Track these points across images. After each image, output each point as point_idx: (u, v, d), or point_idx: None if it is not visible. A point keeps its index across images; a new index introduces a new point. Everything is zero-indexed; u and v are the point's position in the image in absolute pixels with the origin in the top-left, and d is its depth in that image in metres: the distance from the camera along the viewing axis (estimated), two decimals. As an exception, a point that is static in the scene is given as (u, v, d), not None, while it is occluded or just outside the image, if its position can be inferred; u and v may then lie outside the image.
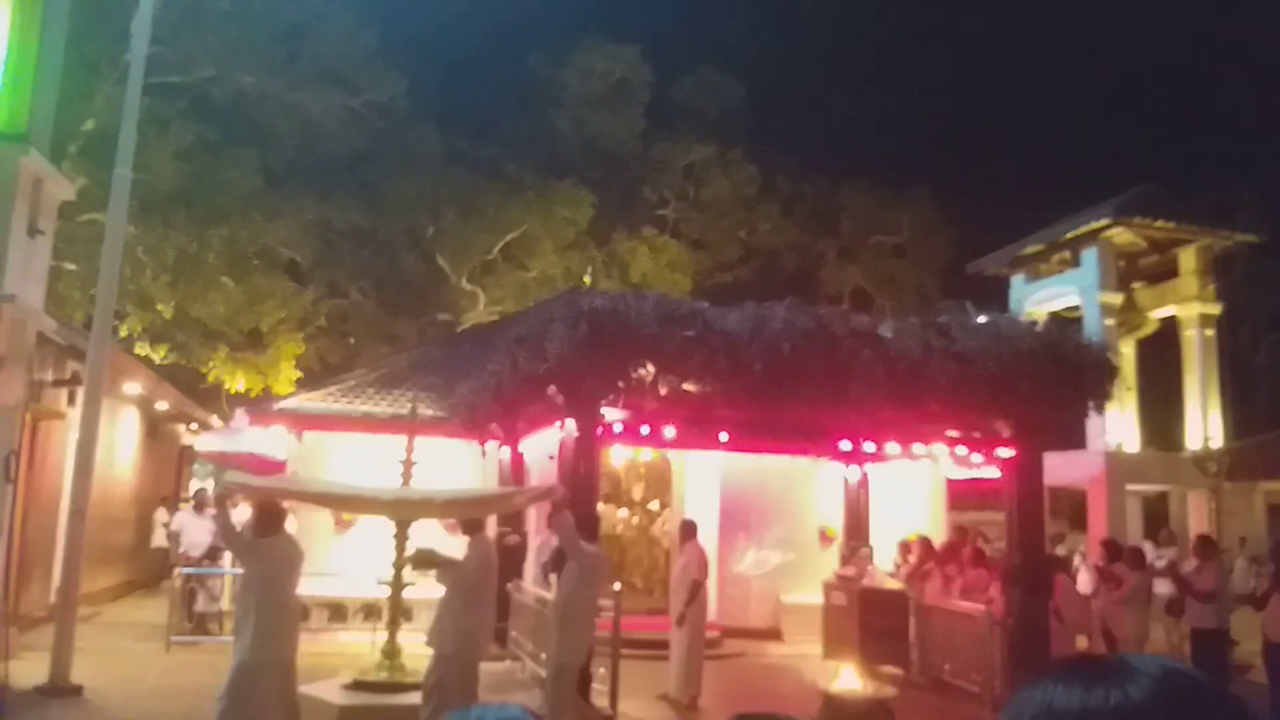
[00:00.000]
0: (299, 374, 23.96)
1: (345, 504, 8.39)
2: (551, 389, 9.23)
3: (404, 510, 8.12)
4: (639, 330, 8.45)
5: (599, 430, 9.24)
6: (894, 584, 12.16)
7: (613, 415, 9.52)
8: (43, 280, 10.03)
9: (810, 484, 14.39)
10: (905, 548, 13.18)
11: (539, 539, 12.21)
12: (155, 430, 18.65)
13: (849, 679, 7.71)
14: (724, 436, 9.92)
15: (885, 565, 13.00)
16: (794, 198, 30.92)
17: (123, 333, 20.85)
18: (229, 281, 22.46)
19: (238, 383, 23.73)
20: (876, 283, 30.80)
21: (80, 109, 18.22)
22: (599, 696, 8.94)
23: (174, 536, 13.71)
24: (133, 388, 15.24)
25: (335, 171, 25.88)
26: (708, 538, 14.26)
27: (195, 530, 13.01)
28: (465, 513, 8.52)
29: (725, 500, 14.17)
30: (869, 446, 11.24)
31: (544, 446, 11.75)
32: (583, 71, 29.93)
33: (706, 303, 9.19)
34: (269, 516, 7.08)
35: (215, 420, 21.67)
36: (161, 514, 16.90)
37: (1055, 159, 35.90)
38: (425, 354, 16.99)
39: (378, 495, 8.30)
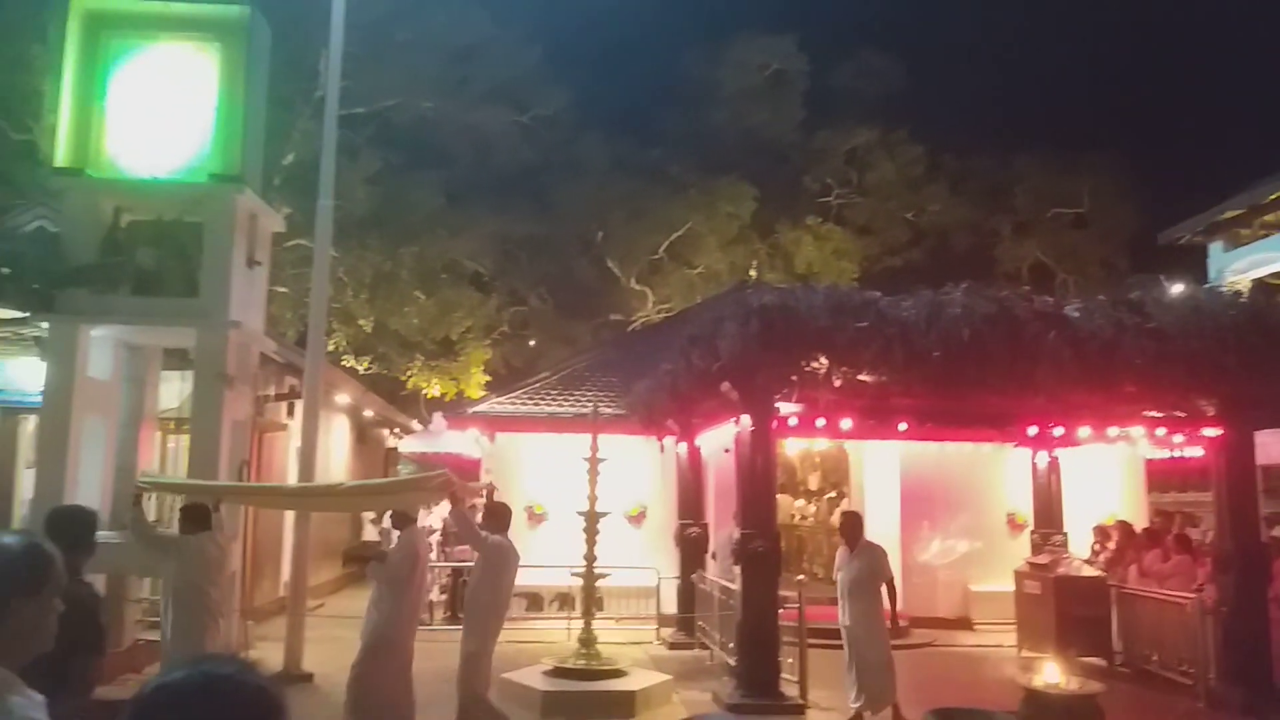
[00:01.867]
0: (487, 378, 25.32)
1: (252, 497, 8.52)
2: (725, 385, 9.39)
3: (307, 502, 8.26)
4: (810, 324, 8.50)
5: (774, 424, 9.37)
6: (1092, 571, 11.69)
7: (788, 409, 9.62)
8: (262, 306, 11.06)
9: (996, 470, 13.99)
10: (1103, 533, 12.66)
11: (722, 531, 12.47)
12: (363, 435, 20.17)
13: (1051, 673, 7.50)
14: (903, 426, 9.81)
15: (1081, 551, 12.52)
16: (963, 174, 29.83)
17: (330, 347, 22.63)
18: (421, 295, 24.09)
19: (433, 388, 25.38)
20: (1057, 257, 29.26)
21: (280, 145, 19.87)
22: (788, 686, 9.09)
23: (384, 533, 14.79)
24: (343, 398, 16.60)
25: (509, 185, 27.13)
26: (889, 525, 14.15)
27: (403, 527, 13.98)
28: (365, 505, 8.53)
29: (906, 487, 13.98)
30: (1058, 431, 10.83)
31: (720, 440, 11.99)
32: (739, 67, 29.95)
33: (878, 291, 9.11)
34: (190, 514, 7.18)
35: (415, 424, 23.25)
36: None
37: (1253, 114, 32.96)
38: (602, 355, 17.60)
39: (280, 489, 8.58)
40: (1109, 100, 33.27)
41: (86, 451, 9.31)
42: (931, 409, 9.57)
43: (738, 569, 9.43)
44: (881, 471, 14.34)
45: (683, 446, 13.46)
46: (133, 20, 9.90)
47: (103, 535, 8.83)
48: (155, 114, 9.71)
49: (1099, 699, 7.15)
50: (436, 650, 11.62)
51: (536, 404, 14.89)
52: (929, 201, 29.62)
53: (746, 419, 9.24)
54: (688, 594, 12.64)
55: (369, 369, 24.62)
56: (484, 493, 8.47)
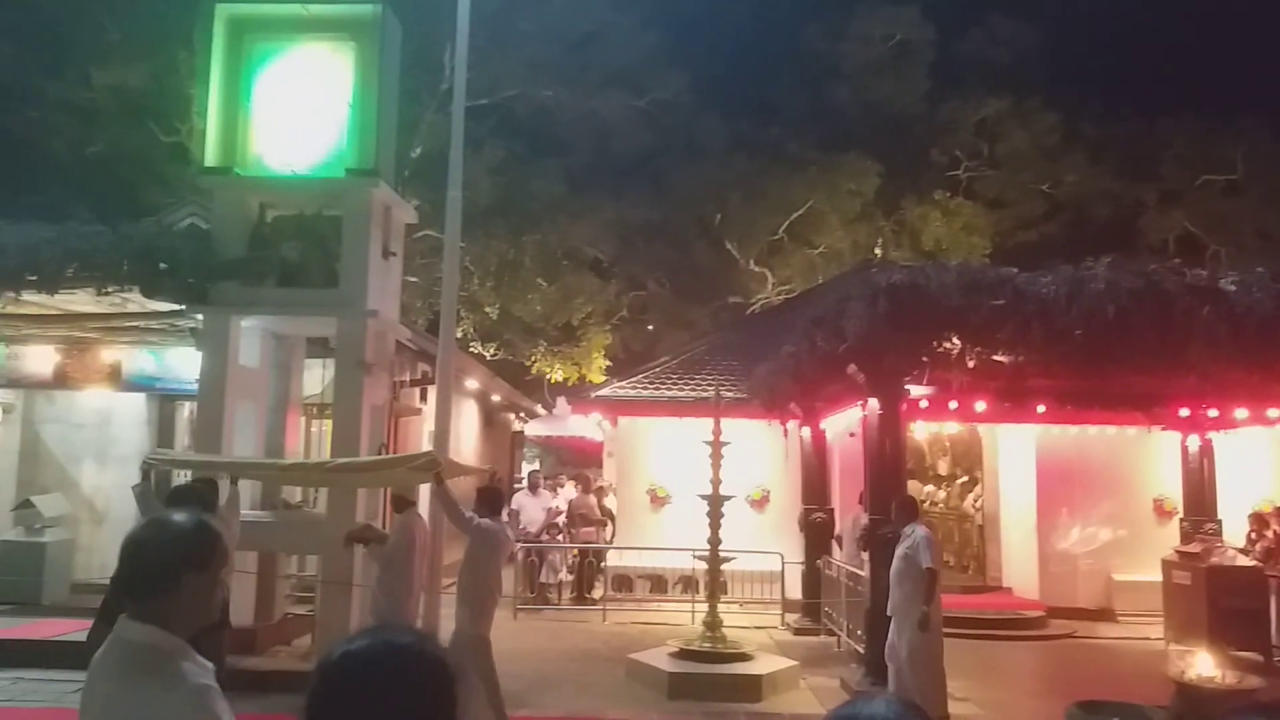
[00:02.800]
0: (607, 363, 25.64)
1: (249, 471, 8.74)
2: (851, 368, 9.21)
3: (298, 477, 8.52)
4: (942, 303, 8.23)
5: (903, 407, 9.14)
6: (1247, 560, 11.01)
7: (917, 391, 9.37)
8: (397, 295, 11.43)
9: (1142, 454, 13.29)
10: (1260, 520, 11.94)
11: (848, 516, 12.29)
12: (491, 419, 20.74)
13: (1205, 665, 7.10)
14: (1041, 408, 9.43)
15: (1235, 540, 11.82)
16: (1103, 142, 28.26)
17: (458, 334, 23.30)
18: (543, 282, 24.60)
19: (556, 373, 25.93)
20: (1207, 227, 27.41)
21: (408, 138, 20.48)
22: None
23: (513, 515, 15.16)
24: (471, 383, 17.10)
25: (627, 170, 27.33)
26: (1025, 511, 13.66)
27: (531, 508, 14.31)
28: (354, 481, 8.62)
29: (1043, 472, 13.44)
30: (1213, 413, 10.20)
31: (845, 424, 11.80)
32: (861, 39, 29.18)
33: (1015, 268, 8.76)
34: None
35: (540, 408, 23.79)
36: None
37: None
38: (722, 338, 17.55)
39: (275, 463, 8.86)
40: (1263, 59, 30.92)
41: (239, 435, 9.85)
42: (1072, 390, 9.14)
43: (865, 555, 9.27)
44: (1016, 455, 13.85)
45: (806, 430, 13.30)
46: (274, 24, 10.33)
47: (253, 515, 9.43)
48: (296, 113, 10.13)
49: (1258, 696, 6.74)
50: (564, 630, 11.94)
51: (658, 388, 14.98)
52: (1066, 172, 28.21)
53: (874, 402, 9.05)
54: (812, 579, 12.53)
55: (495, 355, 25.28)
56: (488, 476, 8.53)
